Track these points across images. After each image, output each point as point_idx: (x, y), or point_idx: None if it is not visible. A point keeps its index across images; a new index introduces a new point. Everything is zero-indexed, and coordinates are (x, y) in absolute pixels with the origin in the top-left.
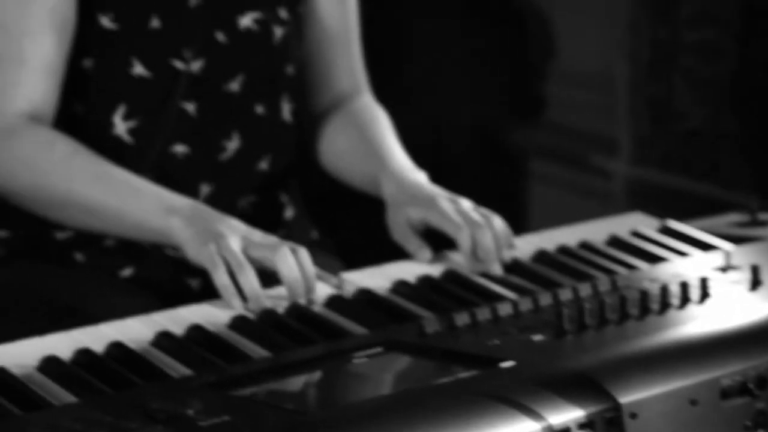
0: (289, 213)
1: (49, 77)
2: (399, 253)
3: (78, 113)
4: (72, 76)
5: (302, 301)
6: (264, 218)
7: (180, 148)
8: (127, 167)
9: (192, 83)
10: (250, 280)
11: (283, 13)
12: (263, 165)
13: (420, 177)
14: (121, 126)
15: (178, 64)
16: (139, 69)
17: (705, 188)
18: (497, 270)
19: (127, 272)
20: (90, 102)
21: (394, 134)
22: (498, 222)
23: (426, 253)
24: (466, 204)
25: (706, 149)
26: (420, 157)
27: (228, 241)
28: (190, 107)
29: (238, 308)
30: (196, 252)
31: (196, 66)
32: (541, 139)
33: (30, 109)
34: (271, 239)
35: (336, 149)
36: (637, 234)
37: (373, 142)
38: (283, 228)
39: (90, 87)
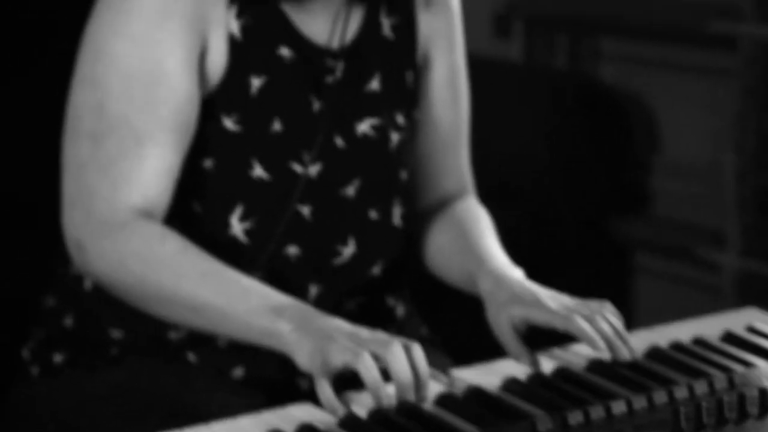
0: (399, 311)
1: (166, 176)
2: None
3: (196, 212)
4: (191, 176)
5: (412, 399)
6: (370, 319)
7: (293, 250)
8: (240, 266)
9: (309, 187)
10: (369, 368)
11: (400, 119)
12: (375, 270)
13: (517, 274)
14: (237, 226)
15: (297, 168)
16: (258, 171)
17: None
18: (626, 355)
19: (238, 372)
20: (208, 202)
21: (493, 234)
22: (609, 309)
23: (527, 358)
24: (569, 300)
25: None
26: (525, 251)
27: (339, 341)
28: (306, 210)
29: (341, 414)
30: (305, 359)
31: (314, 170)
32: (648, 232)
33: (144, 205)
34: (381, 336)
35: (436, 247)
36: (752, 330)
37: (470, 241)
38: (392, 326)
39: (209, 187)
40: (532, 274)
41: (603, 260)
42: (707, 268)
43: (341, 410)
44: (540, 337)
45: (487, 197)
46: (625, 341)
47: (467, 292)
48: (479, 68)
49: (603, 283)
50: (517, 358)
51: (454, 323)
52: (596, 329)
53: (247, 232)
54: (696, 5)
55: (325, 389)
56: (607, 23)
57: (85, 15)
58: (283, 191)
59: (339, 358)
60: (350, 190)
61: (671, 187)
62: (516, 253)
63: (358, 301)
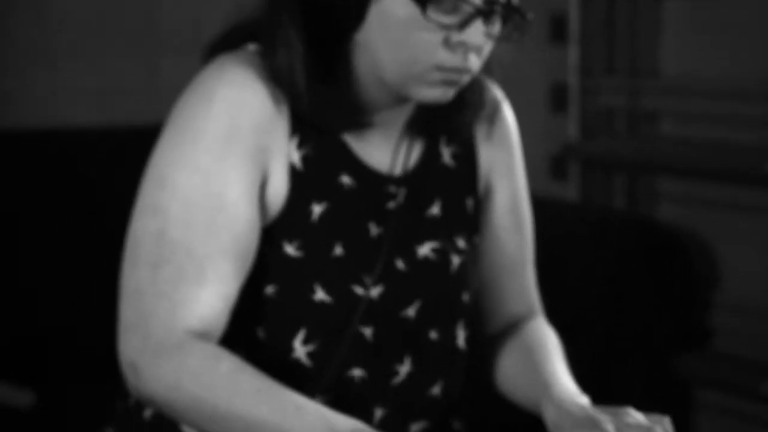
0: None
1: (224, 301)
2: None
3: (259, 338)
4: (254, 303)
5: None
6: None
7: (357, 372)
8: (304, 389)
9: (370, 309)
10: None
11: (461, 243)
12: (435, 390)
13: (583, 401)
14: (300, 350)
15: (359, 291)
16: (320, 295)
17: None
18: None
19: None
20: (271, 327)
21: (561, 357)
22: (665, 427)
23: None
24: (632, 419)
25: None
26: (583, 385)
27: None
28: (368, 332)
29: None
30: None
31: (376, 292)
32: (709, 368)
33: (201, 328)
34: None
35: (504, 371)
36: None
37: (538, 366)
38: None
39: (272, 312)
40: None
41: (666, 396)
42: None
43: None
44: None
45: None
46: None
47: (534, 414)
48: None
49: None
50: None
51: None
52: None
53: (311, 355)
54: (751, 147)
55: None
56: (663, 163)
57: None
58: (344, 313)
59: None
60: (411, 312)
61: (732, 323)
62: (579, 385)
63: (422, 425)
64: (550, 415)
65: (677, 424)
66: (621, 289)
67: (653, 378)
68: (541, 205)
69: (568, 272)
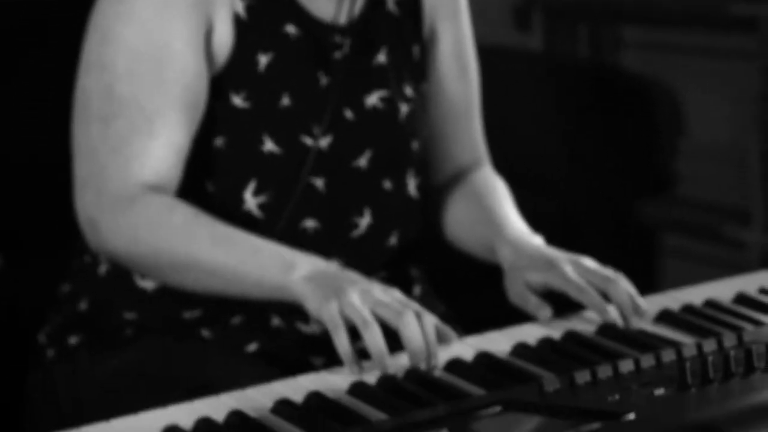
0: (417, 290)
1: (176, 153)
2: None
3: (209, 191)
4: (203, 155)
5: (423, 366)
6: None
7: (310, 223)
8: None
9: (321, 159)
10: (375, 338)
11: (408, 91)
12: (392, 240)
13: (537, 241)
14: (251, 201)
15: (308, 141)
16: (269, 146)
17: None
18: (636, 322)
19: (252, 348)
20: (221, 179)
21: (511, 202)
22: (623, 280)
23: (546, 311)
24: (589, 264)
25: None
26: (552, 237)
27: (351, 298)
28: (319, 183)
29: (356, 373)
30: (317, 307)
31: (325, 143)
32: (673, 213)
33: (154, 180)
34: (396, 297)
35: (455, 219)
36: (765, 291)
37: (489, 210)
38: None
39: (221, 164)
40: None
41: (630, 242)
42: (733, 246)
43: (356, 361)
44: (556, 301)
45: (513, 185)
46: (637, 308)
47: (487, 261)
48: (501, 60)
49: (630, 265)
50: (535, 313)
51: (470, 301)
52: (612, 297)
53: (262, 207)
54: None
55: (341, 339)
56: (627, 10)
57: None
58: (294, 164)
59: (349, 315)
60: (362, 162)
61: (696, 168)
62: (544, 235)
63: (380, 275)
64: (505, 256)
65: (642, 269)
66: (585, 136)
67: (618, 224)
68: (505, 56)
69: (532, 121)
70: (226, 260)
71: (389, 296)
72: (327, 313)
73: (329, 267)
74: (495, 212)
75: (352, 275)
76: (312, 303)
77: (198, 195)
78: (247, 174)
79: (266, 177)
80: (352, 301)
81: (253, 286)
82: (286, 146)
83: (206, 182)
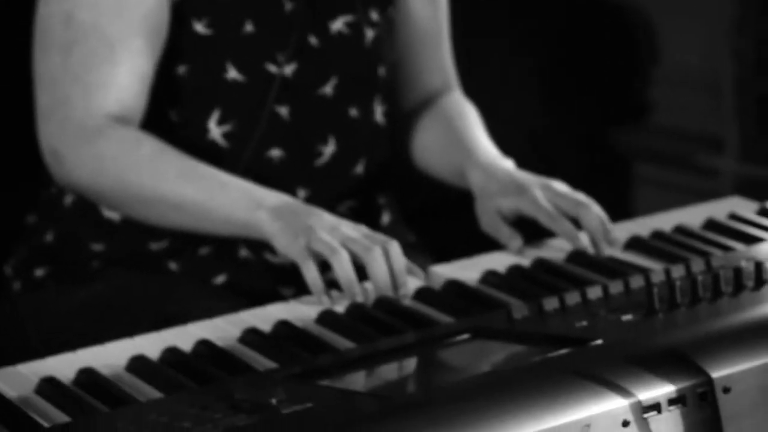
0: (385, 218)
1: (139, 81)
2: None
3: (173, 121)
4: (166, 84)
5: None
6: (362, 222)
7: (275, 152)
8: (222, 170)
9: (285, 87)
10: (344, 266)
11: (374, 16)
12: (359, 168)
13: (508, 164)
14: (216, 131)
15: (272, 68)
16: (233, 73)
17: None
18: (607, 249)
19: (220, 279)
20: (185, 108)
21: (481, 127)
22: (594, 206)
23: (517, 241)
24: (560, 188)
25: None
26: (522, 161)
27: (319, 234)
28: (284, 111)
29: (326, 304)
30: (285, 244)
31: (289, 70)
32: (646, 141)
33: (119, 110)
34: (363, 232)
35: (424, 144)
36: (734, 217)
37: (459, 134)
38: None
39: (184, 93)
40: None
41: (603, 170)
42: (706, 175)
43: (326, 291)
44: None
45: (484, 111)
46: (608, 234)
47: (457, 186)
48: None
49: (603, 193)
50: (507, 244)
51: (440, 229)
52: (582, 223)
53: (226, 136)
54: None
55: (310, 269)
56: None
57: None
58: (259, 92)
59: (317, 249)
60: (327, 89)
61: (670, 96)
62: (518, 162)
63: (348, 204)
64: (475, 180)
65: (616, 197)
66: (558, 63)
67: (591, 152)
68: None
69: (504, 48)
70: (194, 196)
71: (357, 232)
72: (295, 248)
73: (297, 204)
74: (465, 136)
75: (320, 212)
76: (280, 241)
77: (162, 125)
78: (211, 103)
79: (230, 105)
80: (321, 236)
81: (220, 223)
82: (249, 74)
83: (170, 112)
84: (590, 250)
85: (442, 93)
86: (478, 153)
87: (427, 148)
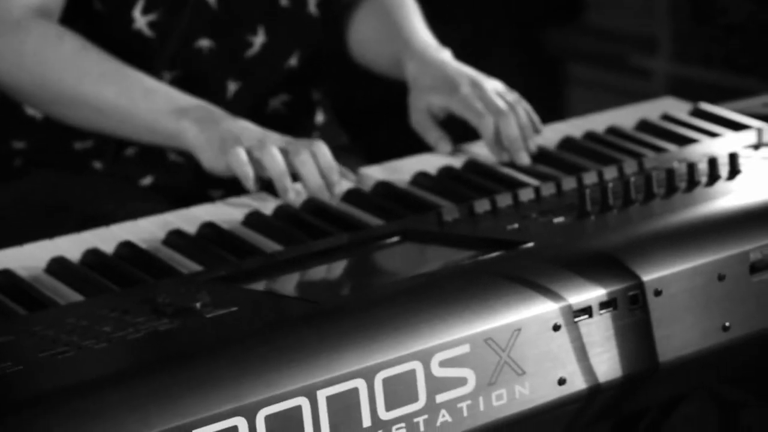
0: (319, 118)
1: None
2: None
3: (97, 10)
4: None
5: (323, 198)
6: (297, 119)
7: (204, 43)
8: (150, 63)
9: None
10: (274, 157)
11: None
12: (292, 61)
13: (445, 55)
14: (141, 20)
15: None
16: None
17: (747, 82)
18: (524, 159)
19: (147, 181)
20: None
21: (420, 16)
22: (524, 107)
23: (446, 145)
24: (492, 86)
25: (748, 43)
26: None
27: (246, 141)
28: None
29: (253, 189)
30: (211, 156)
31: None
32: (579, 40)
33: (38, 3)
34: (290, 140)
35: (362, 36)
36: (667, 117)
37: (397, 25)
38: (314, 132)
39: None
40: None
41: (535, 69)
42: (640, 75)
43: (253, 175)
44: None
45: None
46: (526, 145)
47: (393, 77)
48: None
49: (535, 93)
50: (437, 146)
51: (375, 131)
52: (502, 131)
53: (152, 25)
54: None
55: (238, 155)
56: None
57: None
58: None
59: (246, 145)
60: None
61: None
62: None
63: (281, 99)
64: (410, 71)
65: (549, 98)
66: None
67: (525, 52)
68: None
69: None
70: (116, 99)
71: (284, 141)
72: (222, 155)
73: (223, 114)
74: (403, 26)
75: (246, 123)
76: (206, 155)
77: (86, 15)
78: None
79: None
80: (248, 141)
81: (143, 129)
82: None
83: (93, 2)
84: (506, 158)
85: None
86: (415, 42)
87: (365, 39)
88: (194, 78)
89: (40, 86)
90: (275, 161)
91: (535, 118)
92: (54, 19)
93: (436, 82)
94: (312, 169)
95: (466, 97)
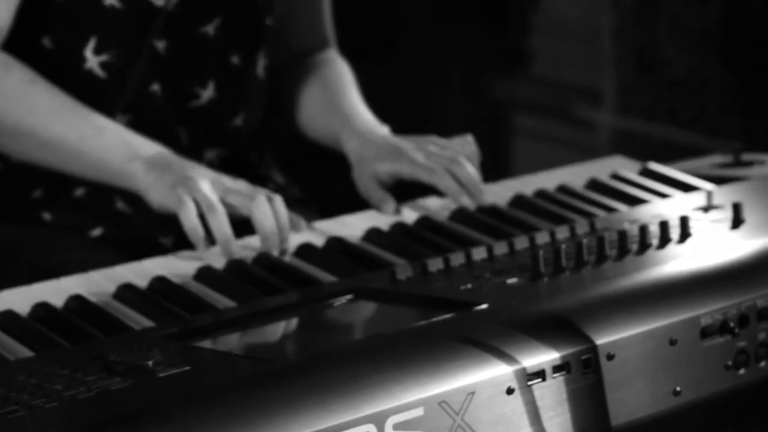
0: (278, 179)
1: (4, 1)
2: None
3: (48, 48)
4: (40, 9)
5: (275, 251)
6: (230, 173)
7: (156, 88)
8: (102, 105)
9: (168, 21)
10: (221, 222)
11: None
12: (238, 121)
13: (383, 131)
14: (93, 60)
15: None
16: (111, 0)
17: (690, 137)
18: (484, 199)
19: (96, 231)
20: (60, 35)
21: (356, 89)
22: (470, 148)
23: (390, 205)
24: (433, 143)
25: (692, 97)
26: (404, 113)
27: (198, 183)
28: (161, 45)
29: (202, 250)
30: (161, 196)
31: (172, 2)
32: (525, 91)
33: None
34: (244, 185)
35: (301, 107)
36: (617, 177)
37: (335, 100)
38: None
39: (59, 19)
40: (412, 131)
41: (481, 119)
42: (584, 127)
43: (203, 237)
44: (407, 190)
45: (369, 56)
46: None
47: (334, 150)
48: None
49: (481, 143)
50: (381, 207)
51: (327, 184)
52: (460, 178)
53: (104, 66)
54: None
55: (188, 213)
56: None
57: None
58: (137, 22)
59: (198, 195)
60: (210, 29)
61: (549, 45)
62: (395, 112)
63: (218, 152)
64: (351, 147)
65: (495, 148)
66: (438, 12)
67: (472, 102)
68: None
69: None
70: (65, 135)
71: (238, 185)
72: (173, 198)
73: (174, 157)
74: (341, 103)
75: (198, 165)
76: (155, 194)
77: (35, 51)
78: (87, 30)
79: (107, 34)
80: (201, 187)
81: (92, 167)
82: (128, 1)
83: (43, 38)
84: (467, 203)
85: (319, 50)
86: (355, 120)
87: (305, 112)
88: (147, 123)
89: None
90: (222, 226)
91: (477, 152)
92: None
93: (381, 151)
94: (268, 215)
95: (414, 158)
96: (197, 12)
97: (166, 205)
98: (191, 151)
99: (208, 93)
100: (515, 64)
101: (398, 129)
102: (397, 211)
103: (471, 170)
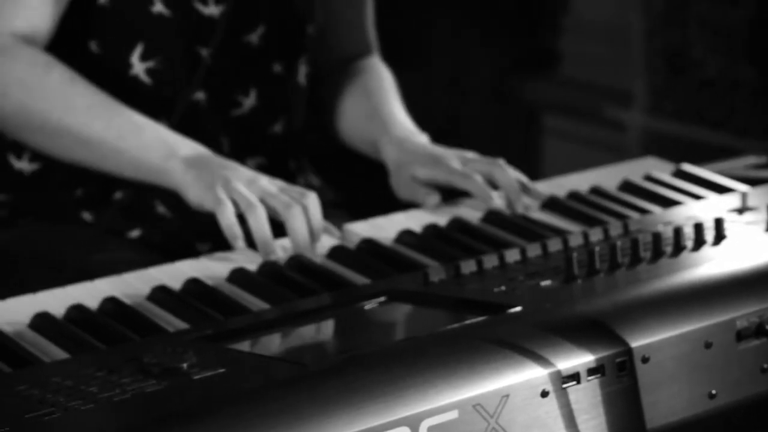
0: (315, 181)
1: (51, 3)
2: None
3: (94, 52)
4: (88, 14)
5: (308, 255)
6: None
7: (200, 96)
8: (146, 111)
9: (211, 28)
10: (260, 222)
11: None
12: (277, 128)
13: (422, 140)
14: (138, 66)
15: (200, 7)
16: (159, 7)
17: (721, 137)
18: (521, 208)
19: (134, 233)
20: (107, 40)
21: (397, 96)
22: (509, 169)
23: (435, 197)
24: (471, 155)
25: (722, 98)
26: (434, 115)
27: (236, 185)
28: (205, 53)
29: (241, 249)
30: (199, 195)
31: (217, 11)
32: (555, 93)
33: (28, 30)
34: (280, 185)
35: (341, 114)
36: (650, 178)
37: (375, 107)
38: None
39: (107, 24)
40: (443, 134)
41: (511, 121)
42: (615, 128)
43: (241, 236)
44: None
45: (399, 58)
46: (526, 189)
47: (372, 158)
48: None
49: (512, 145)
50: (424, 201)
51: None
52: (498, 182)
53: (150, 72)
54: None
55: (225, 213)
56: None
57: None
58: (184, 29)
59: (234, 198)
60: (254, 37)
61: (580, 47)
62: (426, 115)
63: (258, 161)
64: (390, 155)
65: (525, 150)
66: (468, 14)
67: (502, 103)
68: None
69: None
70: (104, 132)
71: (275, 186)
72: (210, 196)
73: (212, 156)
74: (381, 110)
75: (236, 165)
76: (193, 192)
77: (82, 56)
78: (135, 36)
79: (154, 41)
80: (238, 187)
81: (130, 165)
82: (176, 9)
83: (91, 43)
84: (505, 209)
85: (361, 56)
86: (394, 128)
87: (345, 118)
88: (192, 130)
89: (23, 114)
90: (261, 227)
91: (518, 176)
92: (40, 47)
93: (419, 158)
94: (302, 224)
95: (451, 165)
96: (243, 21)
97: (204, 204)
98: (232, 159)
99: (250, 101)
100: (545, 65)
101: (427, 130)
102: (438, 207)
103: (512, 174)
